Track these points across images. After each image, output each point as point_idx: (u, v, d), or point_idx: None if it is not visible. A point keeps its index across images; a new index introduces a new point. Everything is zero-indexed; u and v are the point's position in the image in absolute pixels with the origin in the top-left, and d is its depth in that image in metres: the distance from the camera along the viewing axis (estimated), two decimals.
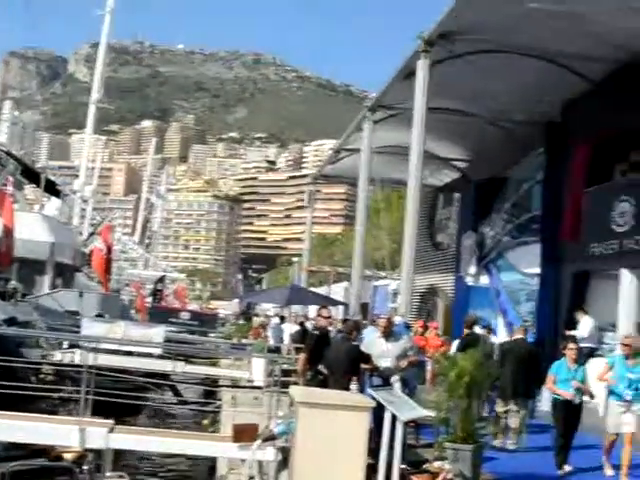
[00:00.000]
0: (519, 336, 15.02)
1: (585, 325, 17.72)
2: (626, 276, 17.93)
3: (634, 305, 17.83)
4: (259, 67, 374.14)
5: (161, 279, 56.98)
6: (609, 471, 11.33)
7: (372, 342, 12.42)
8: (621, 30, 16.81)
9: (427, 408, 10.83)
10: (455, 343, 17.92)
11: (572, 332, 17.79)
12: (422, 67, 16.94)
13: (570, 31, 16.86)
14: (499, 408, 14.01)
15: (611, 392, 11.42)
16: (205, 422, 20.10)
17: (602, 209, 18.99)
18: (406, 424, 10.32)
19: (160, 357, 20.69)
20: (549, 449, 13.57)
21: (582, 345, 16.44)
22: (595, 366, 19.04)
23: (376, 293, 42.86)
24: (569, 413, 11.62)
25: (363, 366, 11.78)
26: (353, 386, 10.91)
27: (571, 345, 12.08)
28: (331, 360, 11.69)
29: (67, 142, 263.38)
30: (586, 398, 11.70)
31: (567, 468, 11.43)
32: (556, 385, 11.71)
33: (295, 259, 78.06)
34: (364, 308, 35.66)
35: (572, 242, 20.54)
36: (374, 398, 9.65)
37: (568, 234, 20.79)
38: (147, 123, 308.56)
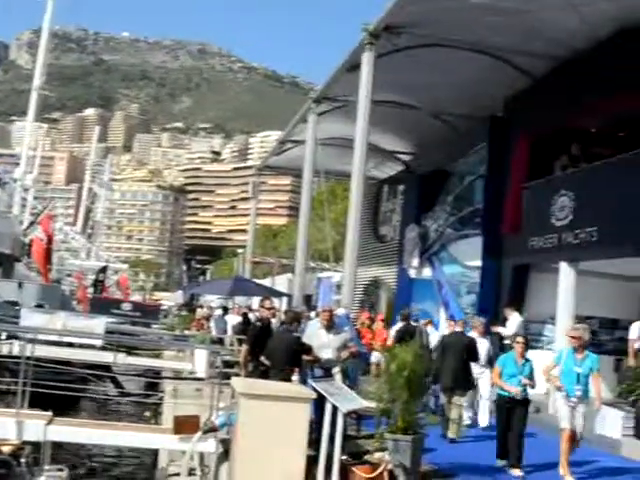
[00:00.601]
0: (458, 329, 15.28)
1: (512, 322, 17.99)
2: (565, 269, 18.18)
3: (572, 298, 18.10)
4: (205, 57, 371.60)
5: (103, 269, 56.15)
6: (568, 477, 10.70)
7: (313, 333, 12.44)
8: (562, 27, 17.06)
9: (368, 399, 10.89)
10: (391, 334, 18.17)
11: (498, 329, 18.08)
12: (367, 60, 16.99)
13: (513, 27, 17.07)
14: (443, 400, 14.19)
15: (558, 389, 11.02)
16: (147, 414, 19.95)
17: (542, 203, 19.23)
18: (347, 415, 10.37)
19: (102, 348, 20.45)
20: (489, 439, 13.81)
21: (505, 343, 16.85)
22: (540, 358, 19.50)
23: (320, 285, 42.92)
24: (514, 409, 11.31)
25: (304, 357, 11.79)
26: (294, 377, 10.93)
27: (519, 339, 11.73)
28: (272, 351, 11.68)
29: (8, 129, 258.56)
30: (531, 391, 11.41)
31: (500, 463, 11.37)
32: (502, 379, 11.43)
33: (240, 250, 77.70)
34: (308, 300, 35.72)
35: (513, 235, 20.80)
36: (315, 389, 9.67)
37: (509, 228, 21.05)
38: (90, 111, 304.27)
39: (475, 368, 14.65)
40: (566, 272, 18.19)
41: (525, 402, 11.40)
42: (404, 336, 16.13)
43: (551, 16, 16.43)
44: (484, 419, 15.17)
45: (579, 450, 11.29)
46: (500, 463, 11.38)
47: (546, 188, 19.53)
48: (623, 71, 16.33)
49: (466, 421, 14.62)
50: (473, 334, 15.21)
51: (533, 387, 11.49)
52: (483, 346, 15.26)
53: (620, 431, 13.38)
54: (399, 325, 18.06)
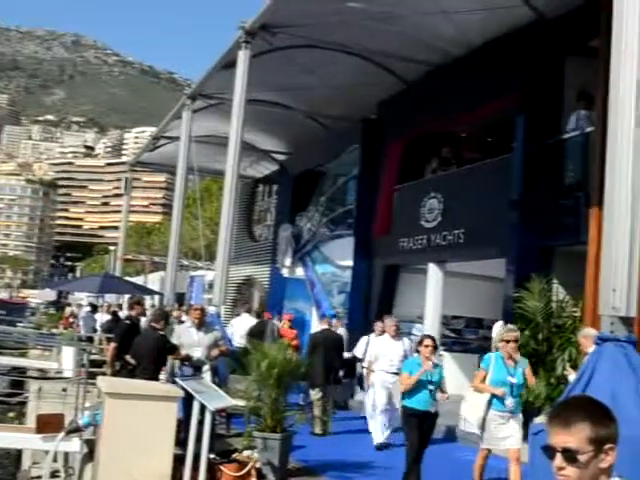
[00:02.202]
0: (325, 327, 15.50)
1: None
2: (433, 270, 18.67)
3: (439, 298, 18.61)
4: (79, 49, 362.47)
5: None
6: None
7: (183, 332, 12.37)
8: (437, 34, 17.48)
9: (237, 398, 10.90)
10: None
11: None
12: (242, 58, 16.89)
13: (388, 32, 17.33)
14: (313, 397, 14.34)
15: (489, 400, 9.49)
16: (10, 414, 19.34)
17: (412, 205, 19.66)
18: (217, 414, 10.33)
19: None
20: (359, 433, 14.04)
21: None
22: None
23: (193, 283, 42.61)
24: (424, 423, 9.76)
25: (170, 357, 11.72)
26: (162, 376, 10.82)
27: (427, 342, 10.02)
28: (138, 350, 11.54)
29: None
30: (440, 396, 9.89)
31: None
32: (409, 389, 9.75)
33: (112, 248, 76.25)
34: (180, 298, 35.37)
35: (384, 236, 21.19)
36: (183, 388, 9.60)
37: (380, 228, 21.43)
38: None
39: (386, 375, 13.33)
40: (434, 273, 18.68)
41: (436, 416, 9.98)
42: (256, 333, 16.24)
43: (426, 22, 16.78)
44: (380, 435, 13.27)
45: (444, 446, 11.60)
46: None
47: (416, 190, 19.98)
48: (493, 78, 16.89)
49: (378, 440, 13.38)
50: (384, 336, 13.91)
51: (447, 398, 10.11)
52: (395, 349, 13.51)
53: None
54: (254, 322, 18.20)
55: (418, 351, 10.23)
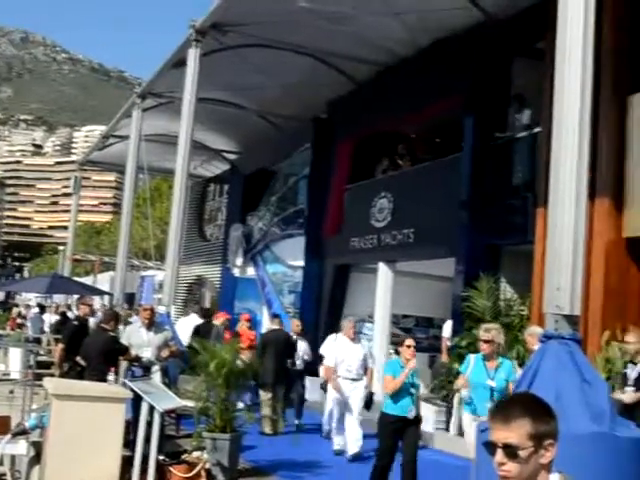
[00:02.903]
0: (276, 327, 15.48)
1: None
2: (383, 269, 18.77)
3: (390, 297, 18.72)
4: (27, 46, 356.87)
5: None
6: None
7: (133, 332, 12.27)
8: (386, 34, 17.55)
9: (187, 398, 10.85)
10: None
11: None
12: (192, 56, 16.82)
13: (338, 32, 17.37)
14: (263, 397, 14.32)
15: (467, 404, 9.25)
16: None
17: (363, 205, 19.74)
18: (167, 415, 10.27)
19: None
20: (311, 433, 14.05)
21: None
22: None
23: (143, 283, 42.30)
24: (404, 430, 9.27)
25: (121, 358, 11.61)
26: (110, 377, 10.72)
27: (409, 342, 9.57)
28: (87, 351, 11.42)
29: None
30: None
31: None
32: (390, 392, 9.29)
33: (61, 248, 75.31)
34: (131, 298, 35.07)
35: (334, 236, 21.24)
36: (132, 389, 9.52)
37: (330, 228, 21.49)
38: None
39: (344, 382, 12.43)
40: (384, 272, 18.78)
41: (418, 421, 9.52)
42: (201, 333, 16.06)
43: (376, 23, 16.85)
44: (355, 446, 12.28)
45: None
46: None
47: (367, 190, 20.06)
48: (439, 78, 17.04)
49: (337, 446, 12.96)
50: (341, 339, 12.80)
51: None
52: (354, 353, 12.62)
53: (433, 425, 13.93)
54: (199, 322, 18.07)
55: (397, 352, 9.92)
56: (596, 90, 7.53)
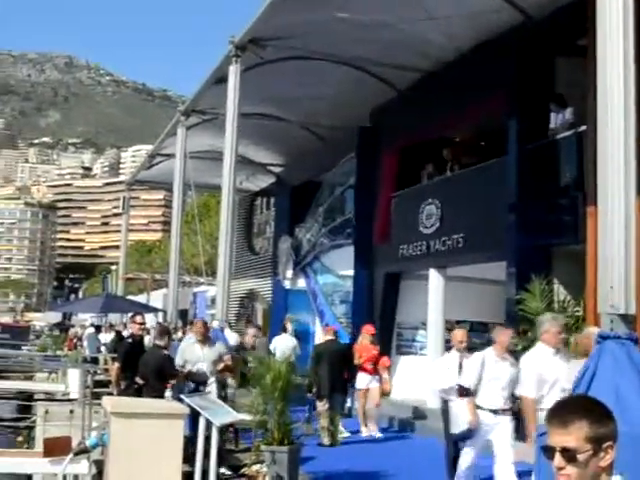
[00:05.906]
0: (330, 337, 15.46)
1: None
2: (434, 275, 18.66)
3: (441, 303, 18.59)
4: (72, 70, 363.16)
5: None
6: None
7: (187, 347, 12.37)
8: (425, 40, 17.53)
9: (244, 412, 10.90)
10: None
11: None
12: (233, 72, 16.96)
13: (376, 40, 17.39)
14: (320, 408, 14.33)
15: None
16: (19, 439, 19.29)
17: (410, 212, 19.67)
18: (225, 429, 10.33)
19: None
20: (366, 443, 14.03)
21: None
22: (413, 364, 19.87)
23: (196, 299, 42.60)
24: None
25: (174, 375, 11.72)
26: (167, 393, 10.82)
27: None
28: (143, 369, 11.54)
29: None
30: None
31: None
32: None
33: (113, 267, 76.29)
34: (184, 315, 35.36)
35: (383, 244, 21.20)
36: (189, 405, 9.60)
37: (379, 237, 21.45)
38: None
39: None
40: (435, 278, 18.67)
41: None
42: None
43: (414, 29, 16.84)
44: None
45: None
46: None
47: (413, 197, 20.00)
48: (481, 81, 16.94)
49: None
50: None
51: None
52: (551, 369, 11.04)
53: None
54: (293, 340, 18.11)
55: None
56: None
